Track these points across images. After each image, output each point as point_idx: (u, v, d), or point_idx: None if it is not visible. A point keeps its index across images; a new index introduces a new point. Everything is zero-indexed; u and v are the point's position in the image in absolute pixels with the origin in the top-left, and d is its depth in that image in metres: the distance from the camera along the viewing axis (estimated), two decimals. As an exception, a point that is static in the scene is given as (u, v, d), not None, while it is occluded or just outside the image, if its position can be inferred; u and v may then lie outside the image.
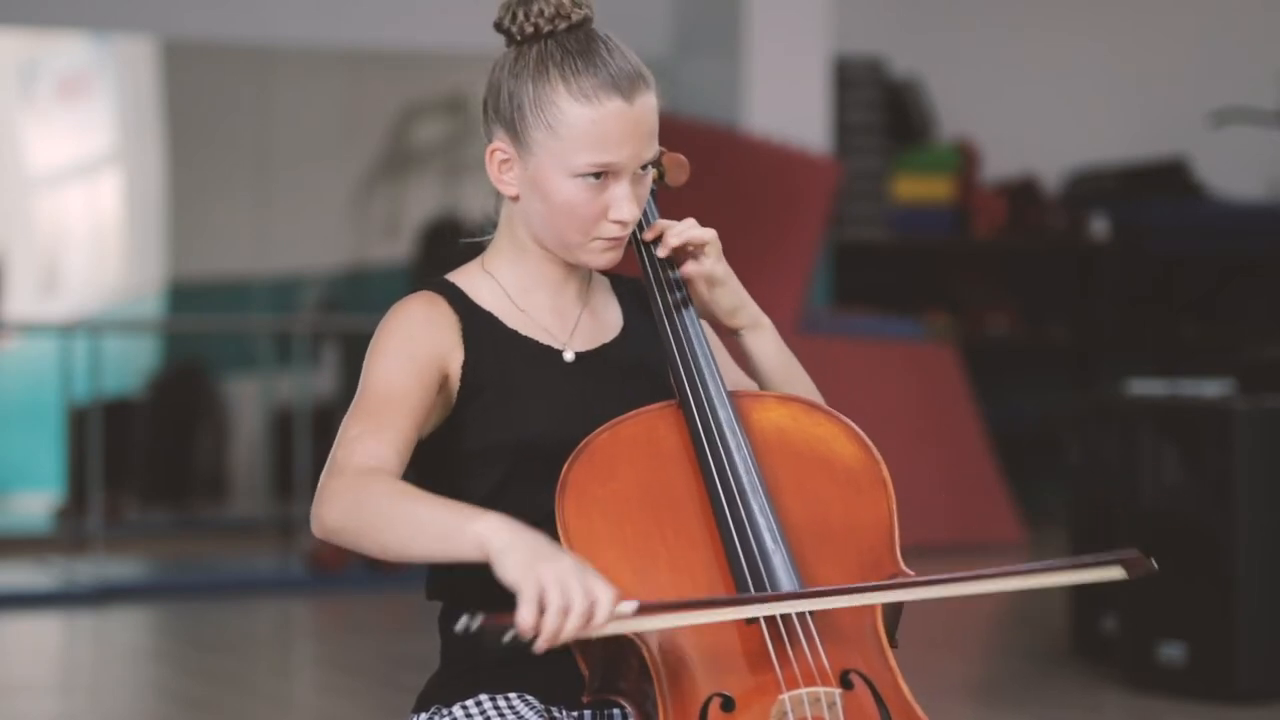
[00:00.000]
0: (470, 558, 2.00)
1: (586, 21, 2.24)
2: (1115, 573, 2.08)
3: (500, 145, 2.25)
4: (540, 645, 1.94)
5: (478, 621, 1.94)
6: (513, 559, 1.95)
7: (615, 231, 2.23)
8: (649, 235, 2.31)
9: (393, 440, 2.14)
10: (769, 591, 2.10)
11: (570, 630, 1.93)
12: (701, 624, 2.05)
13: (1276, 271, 9.91)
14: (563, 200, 2.22)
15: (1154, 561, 2.08)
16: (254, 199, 10.72)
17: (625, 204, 2.22)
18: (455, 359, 2.24)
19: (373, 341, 2.23)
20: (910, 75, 9.68)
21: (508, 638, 1.94)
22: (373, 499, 2.06)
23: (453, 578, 2.25)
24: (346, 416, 2.17)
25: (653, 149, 2.24)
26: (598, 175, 2.20)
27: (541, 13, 2.22)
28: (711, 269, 2.29)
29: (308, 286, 10.46)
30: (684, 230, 2.28)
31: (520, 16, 2.23)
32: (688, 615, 2.03)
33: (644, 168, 2.24)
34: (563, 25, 2.22)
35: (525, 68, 2.22)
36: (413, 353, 2.20)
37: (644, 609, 1.99)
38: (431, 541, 2.02)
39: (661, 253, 2.29)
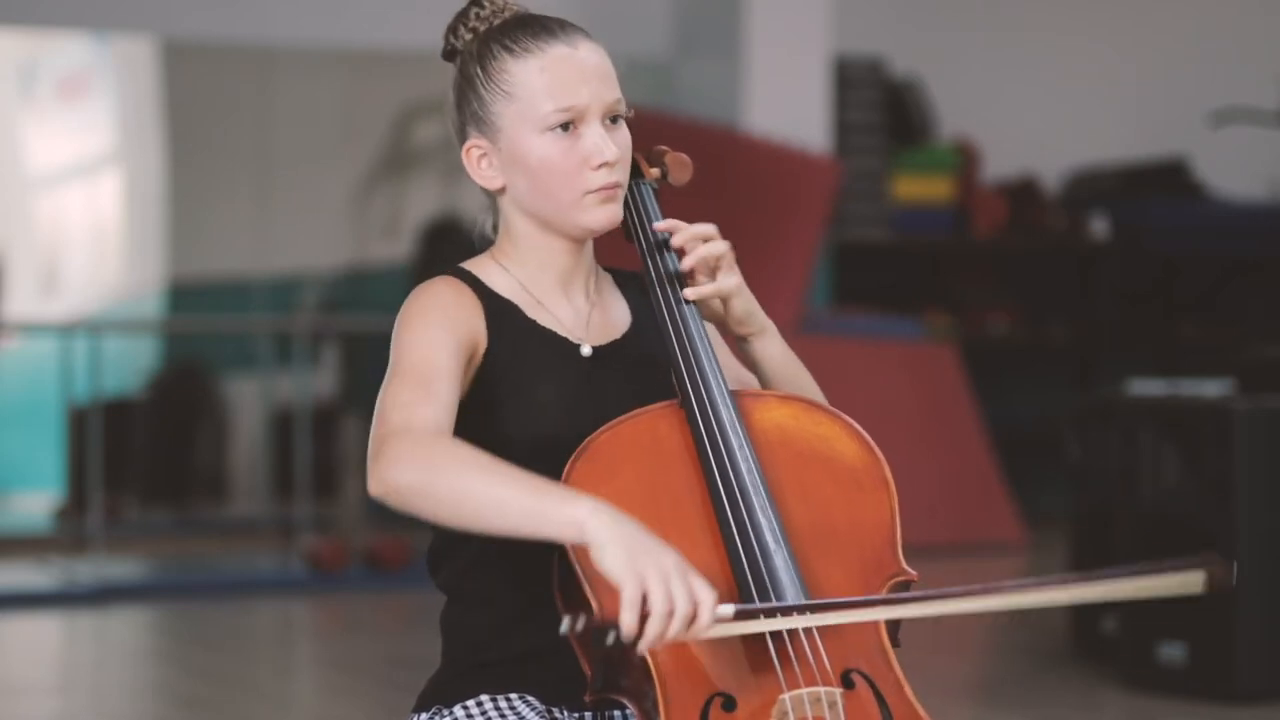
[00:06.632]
0: (560, 540, 1.98)
1: (520, 11, 2.29)
2: (1194, 579, 2.01)
3: (473, 141, 2.27)
4: (642, 648, 1.94)
5: (581, 624, 1.93)
6: (613, 553, 1.94)
7: (603, 178, 2.22)
8: (660, 226, 2.29)
9: (443, 410, 2.09)
10: (769, 590, 2.10)
11: (673, 635, 1.93)
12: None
13: (1276, 271, 9.90)
14: (539, 160, 2.22)
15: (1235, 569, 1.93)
16: (254, 199, 10.71)
17: (602, 145, 2.21)
18: (481, 343, 2.22)
19: (402, 320, 2.19)
20: (910, 75, 9.68)
21: (610, 640, 1.93)
22: (450, 467, 2.00)
23: (460, 577, 2.25)
24: (385, 388, 2.11)
25: (613, 92, 2.24)
26: (565, 126, 2.21)
27: (478, 15, 2.27)
28: (727, 287, 2.26)
29: (308, 286, 10.45)
30: (700, 250, 2.24)
31: (461, 30, 2.28)
32: (771, 622, 2.03)
33: (614, 120, 2.24)
34: (498, 21, 2.27)
35: (471, 60, 2.26)
36: (449, 328, 2.17)
37: (740, 614, 1.99)
38: (517, 519, 1.98)
39: (686, 265, 2.25)
